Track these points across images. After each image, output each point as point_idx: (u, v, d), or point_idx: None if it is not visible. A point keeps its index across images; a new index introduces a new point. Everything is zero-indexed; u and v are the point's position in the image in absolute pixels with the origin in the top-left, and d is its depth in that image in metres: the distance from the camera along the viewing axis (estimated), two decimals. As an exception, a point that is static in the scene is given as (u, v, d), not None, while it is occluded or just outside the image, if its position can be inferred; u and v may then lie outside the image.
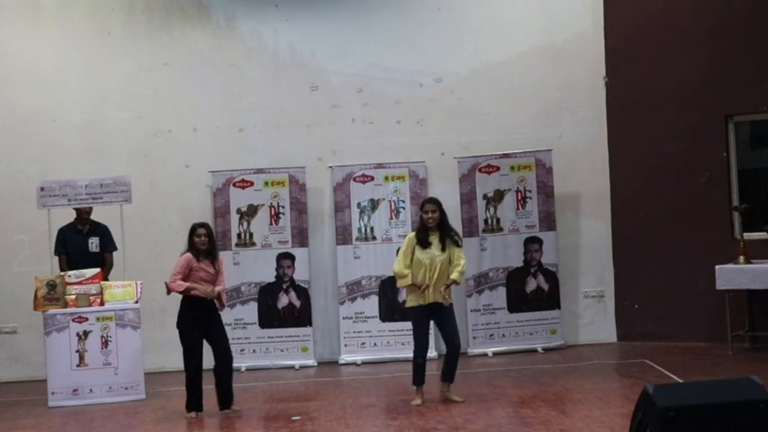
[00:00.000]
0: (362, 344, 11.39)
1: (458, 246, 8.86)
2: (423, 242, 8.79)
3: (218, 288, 8.91)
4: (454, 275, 8.76)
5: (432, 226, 8.81)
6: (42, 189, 10.40)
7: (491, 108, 11.95)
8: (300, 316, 11.41)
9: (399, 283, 8.99)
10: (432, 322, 9.04)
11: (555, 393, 9.11)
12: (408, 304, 8.93)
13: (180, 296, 8.97)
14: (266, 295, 11.40)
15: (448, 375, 8.90)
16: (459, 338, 8.91)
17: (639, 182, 11.71)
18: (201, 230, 8.92)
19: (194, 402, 8.94)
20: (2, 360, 11.56)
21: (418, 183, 11.57)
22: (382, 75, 11.93)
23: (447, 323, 8.82)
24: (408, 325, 10.57)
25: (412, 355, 8.93)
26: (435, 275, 8.71)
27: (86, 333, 9.81)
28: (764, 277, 10.43)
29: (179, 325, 8.90)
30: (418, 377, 8.88)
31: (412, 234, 8.95)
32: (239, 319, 11.30)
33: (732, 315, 10.78)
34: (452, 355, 8.83)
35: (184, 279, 8.84)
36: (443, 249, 8.78)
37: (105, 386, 9.80)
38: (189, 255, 8.91)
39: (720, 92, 11.29)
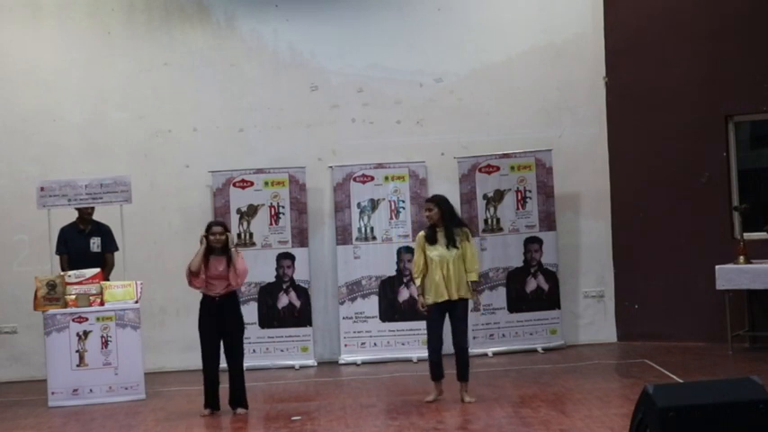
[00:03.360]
0: (362, 344, 11.38)
1: (467, 240, 8.86)
2: (430, 239, 8.84)
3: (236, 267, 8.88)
4: (472, 277, 8.83)
5: (433, 223, 8.85)
6: (42, 189, 10.39)
7: (491, 108, 11.94)
8: (300, 316, 11.41)
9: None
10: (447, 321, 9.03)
11: (555, 393, 9.10)
12: (426, 302, 8.94)
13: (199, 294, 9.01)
14: (266, 295, 11.39)
15: (459, 375, 8.90)
16: (464, 339, 8.93)
17: (639, 182, 11.70)
18: (217, 228, 8.95)
19: (210, 400, 8.98)
20: (2, 360, 11.55)
21: (418, 183, 11.57)
22: (382, 75, 11.92)
23: (456, 323, 8.86)
24: (408, 325, 11.03)
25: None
26: (447, 273, 8.72)
27: (86, 333, 9.80)
28: (764, 277, 10.43)
29: (199, 324, 8.97)
30: (434, 373, 8.89)
31: (421, 233, 8.97)
32: (239, 319, 11.30)
33: (732, 315, 10.77)
34: (458, 356, 8.85)
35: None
36: (452, 245, 8.77)
37: (105, 386, 9.79)
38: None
39: (720, 92, 11.28)
